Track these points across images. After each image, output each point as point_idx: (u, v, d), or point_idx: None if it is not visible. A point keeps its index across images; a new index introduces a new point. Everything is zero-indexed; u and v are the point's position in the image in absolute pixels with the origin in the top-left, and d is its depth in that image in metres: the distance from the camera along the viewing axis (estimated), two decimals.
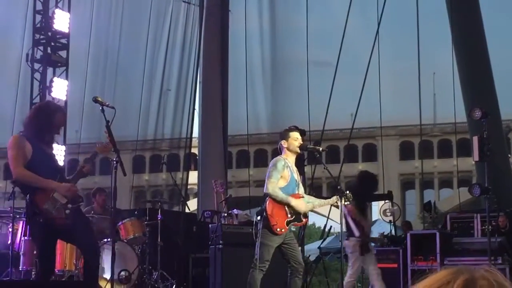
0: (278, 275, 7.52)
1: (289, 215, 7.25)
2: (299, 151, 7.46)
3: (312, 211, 7.73)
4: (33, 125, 6.31)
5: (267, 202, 7.28)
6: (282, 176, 7.28)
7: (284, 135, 7.44)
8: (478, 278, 1.18)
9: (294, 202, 7.25)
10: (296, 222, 7.35)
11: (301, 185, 7.60)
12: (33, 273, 8.71)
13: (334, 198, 7.63)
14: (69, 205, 6.15)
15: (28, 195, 6.11)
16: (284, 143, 7.39)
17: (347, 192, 7.64)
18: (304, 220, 7.45)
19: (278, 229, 7.17)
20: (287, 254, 7.28)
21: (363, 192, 8.99)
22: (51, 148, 6.62)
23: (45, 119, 6.33)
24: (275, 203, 7.25)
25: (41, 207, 6.05)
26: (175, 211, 15.47)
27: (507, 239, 10.28)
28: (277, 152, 7.58)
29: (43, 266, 6.41)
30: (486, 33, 15.85)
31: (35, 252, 8.15)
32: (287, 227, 7.22)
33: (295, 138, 7.38)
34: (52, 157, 6.55)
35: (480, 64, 15.61)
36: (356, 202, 8.58)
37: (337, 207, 7.79)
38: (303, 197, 7.45)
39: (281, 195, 7.23)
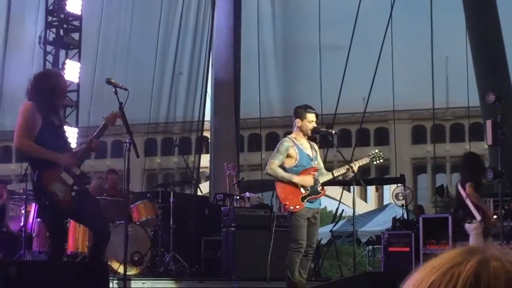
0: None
1: (303, 191, 7.14)
2: (310, 134, 7.36)
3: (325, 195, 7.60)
4: (37, 93, 6.07)
5: (276, 185, 7.25)
6: (290, 155, 7.18)
7: (300, 114, 7.29)
8: (491, 259, 1.17)
9: (296, 179, 7.14)
10: (313, 195, 7.21)
11: (319, 159, 7.49)
12: (45, 254, 8.76)
13: (366, 159, 7.55)
14: (75, 187, 6.02)
15: (36, 173, 5.94)
16: (298, 122, 7.27)
17: (375, 151, 7.64)
18: (322, 191, 7.32)
19: (292, 207, 7.08)
20: None
21: (472, 173, 8.78)
22: (60, 120, 6.39)
23: (48, 85, 6.13)
24: (284, 184, 7.19)
25: (48, 189, 5.91)
26: (187, 193, 15.47)
27: None
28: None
29: (54, 247, 6.41)
30: (501, 17, 15.73)
31: (48, 233, 8.18)
32: (302, 203, 7.10)
33: (310, 121, 7.26)
34: (60, 130, 6.32)
35: (494, 48, 15.51)
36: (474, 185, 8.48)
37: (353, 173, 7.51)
38: (317, 169, 7.31)
39: (280, 173, 7.15)
